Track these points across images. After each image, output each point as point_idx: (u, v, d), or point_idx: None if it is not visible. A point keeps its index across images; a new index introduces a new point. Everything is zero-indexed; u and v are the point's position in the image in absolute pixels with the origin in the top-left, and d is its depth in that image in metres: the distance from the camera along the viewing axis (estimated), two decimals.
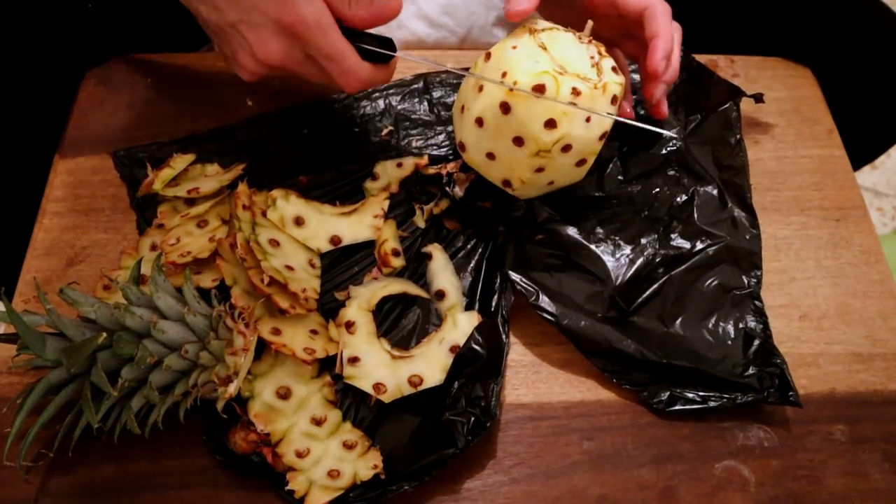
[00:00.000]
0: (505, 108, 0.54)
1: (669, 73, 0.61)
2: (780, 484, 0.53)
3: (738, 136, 0.66)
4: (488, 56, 0.57)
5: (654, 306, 0.58)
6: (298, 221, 0.61)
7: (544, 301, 0.56)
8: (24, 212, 0.64)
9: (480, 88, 0.56)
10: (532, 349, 0.59)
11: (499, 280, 0.59)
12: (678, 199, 0.64)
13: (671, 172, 0.65)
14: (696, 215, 0.63)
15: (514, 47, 0.55)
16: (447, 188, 0.64)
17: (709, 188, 0.64)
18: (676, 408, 0.55)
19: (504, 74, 0.54)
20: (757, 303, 0.59)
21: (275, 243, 0.58)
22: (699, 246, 0.61)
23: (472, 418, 0.52)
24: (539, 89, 0.53)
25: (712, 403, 0.55)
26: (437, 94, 0.70)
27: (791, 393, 0.54)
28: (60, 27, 0.68)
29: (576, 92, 0.53)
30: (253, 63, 0.56)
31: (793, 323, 0.60)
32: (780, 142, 0.70)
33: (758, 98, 0.68)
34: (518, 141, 0.55)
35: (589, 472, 0.53)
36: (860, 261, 0.64)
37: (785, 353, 0.57)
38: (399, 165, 0.66)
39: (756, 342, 0.57)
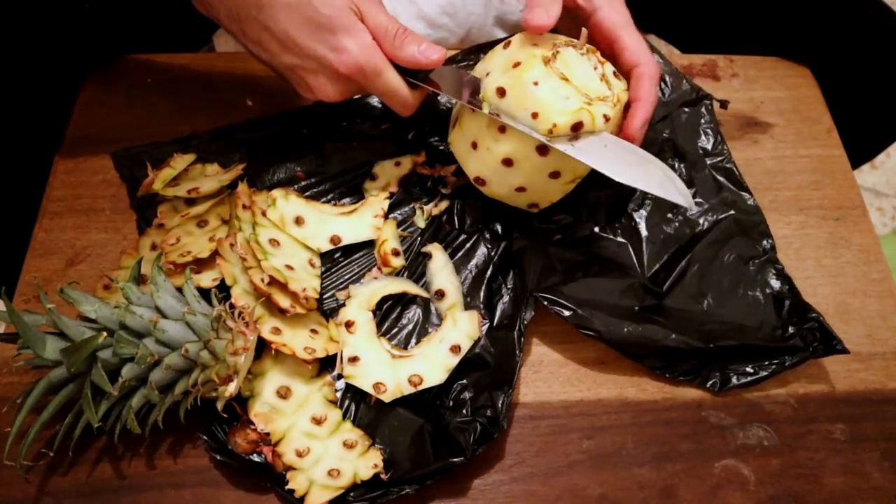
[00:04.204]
0: (542, 150, 0.54)
1: (639, 137, 0.58)
2: (780, 483, 0.53)
3: (716, 128, 0.67)
4: (503, 92, 0.53)
5: (685, 286, 0.60)
6: (298, 221, 0.61)
7: (584, 318, 0.56)
8: (24, 212, 0.64)
9: (502, 129, 0.55)
10: (532, 349, 0.59)
11: (511, 290, 0.59)
12: None
13: (667, 162, 0.65)
14: (698, 194, 0.64)
15: (536, 83, 0.53)
16: (439, 187, 0.65)
17: (703, 172, 0.66)
18: (732, 385, 0.56)
19: (535, 115, 0.52)
20: (777, 266, 0.61)
21: (275, 243, 0.58)
22: (709, 221, 0.63)
23: (479, 427, 0.52)
24: (577, 127, 0.53)
25: (764, 373, 0.56)
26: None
27: (835, 342, 0.56)
28: (60, 27, 0.68)
29: (606, 118, 0.53)
30: (312, 97, 0.59)
31: None
32: (780, 141, 0.71)
33: (722, 104, 0.67)
34: (555, 175, 0.56)
35: (589, 471, 0.53)
36: (859, 260, 0.64)
37: None
38: (397, 164, 0.66)
39: (787, 302, 0.59)
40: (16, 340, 0.49)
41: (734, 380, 0.56)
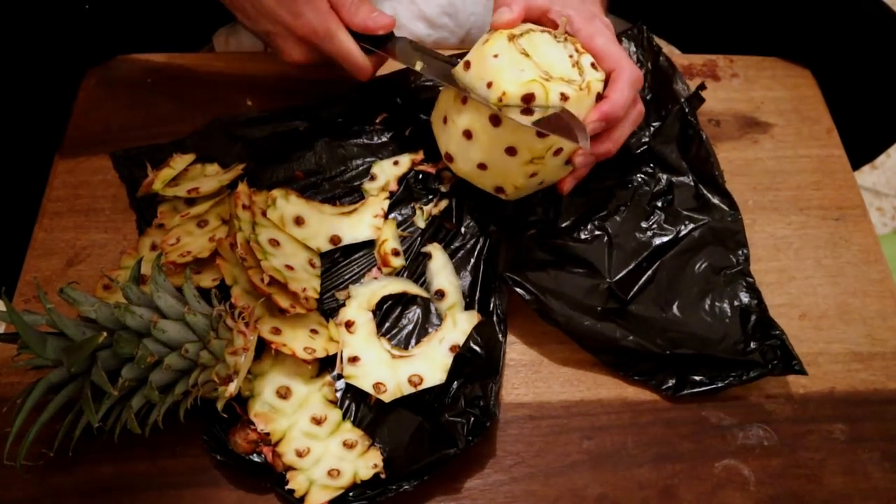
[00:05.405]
0: (495, 120, 0.54)
1: (606, 144, 0.58)
2: (780, 483, 0.53)
3: (698, 130, 0.67)
4: (468, 65, 0.56)
5: (651, 293, 0.59)
6: (298, 221, 0.61)
7: (545, 304, 0.57)
8: (24, 212, 0.64)
9: (464, 100, 0.56)
10: (532, 348, 0.59)
11: (494, 280, 0.59)
12: (657, 189, 0.65)
13: (646, 168, 0.66)
14: (676, 202, 0.64)
15: (496, 56, 0.54)
16: (435, 184, 0.65)
17: (684, 178, 0.65)
18: (685, 392, 0.56)
19: (489, 84, 0.54)
20: (748, 279, 0.60)
21: (275, 243, 0.58)
22: (684, 230, 0.62)
23: (472, 418, 0.52)
24: (528, 98, 0.53)
25: (719, 384, 0.56)
26: None
27: (794, 362, 0.55)
28: (60, 27, 0.68)
29: (564, 97, 0.53)
30: (287, 62, 0.64)
31: (792, 322, 0.60)
32: (780, 141, 0.71)
33: (700, 87, 0.68)
34: (511, 151, 0.56)
35: (589, 471, 0.53)
36: (859, 260, 0.64)
37: None
38: (396, 163, 0.66)
39: (753, 317, 0.58)
40: (16, 340, 0.49)
41: (688, 387, 0.56)
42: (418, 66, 0.60)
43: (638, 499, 0.52)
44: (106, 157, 0.66)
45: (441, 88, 0.61)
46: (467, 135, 0.57)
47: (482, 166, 0.58)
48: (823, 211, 0.66)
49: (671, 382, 0.56)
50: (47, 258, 0.61)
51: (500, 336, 0.56)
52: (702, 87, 0.68)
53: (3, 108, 0.67)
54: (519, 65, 0.53)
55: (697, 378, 0.56)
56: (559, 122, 0.53)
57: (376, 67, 0.64)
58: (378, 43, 0.62)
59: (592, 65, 0.56)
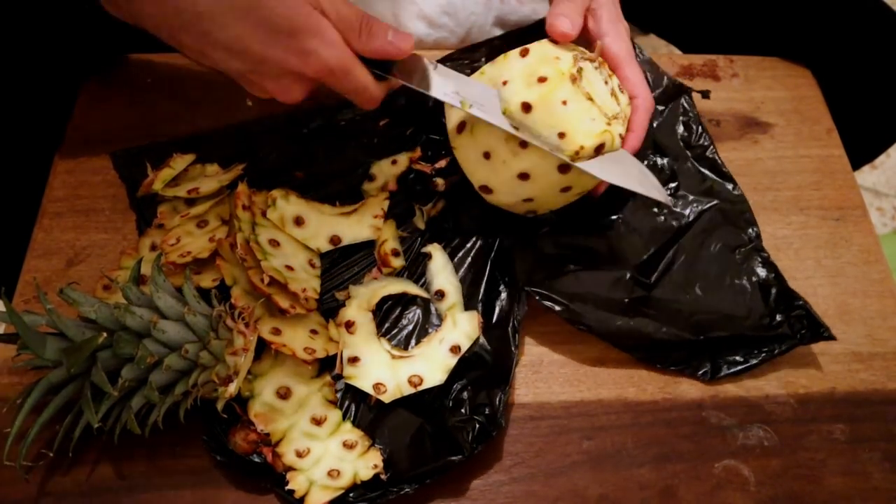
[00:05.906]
0: (564, 168, 0.54)
1: None
2: (780, 483, 0.53)
3: (697, 120, 0.68)
4: (528, 107, 0.52)
5: (673, 276, 0.60)
6: (298, 221, 0.61)
7: (574, 312, 0.57)
8: (24, 212, 0.64)
9: (523, 144, 0.53)
10: (532, 349, 0.59)
11: (506, 287, 0.59)
12: (660, 177, 0.65)
13: (648, 157, 0.66)
14: (682, 188, 0.65)
15: (565, 102, 0.52)
16: (431, 185, 0.65)
17: (686, 164, 0.66)
18: (722, 374, 0.57)
19: (562, 135, 0.52)
20: (763, 254, 0.61)
21: (275, 243, 0.58)
22: (694, 213, 0.63)
23: (478, 426, 0.52)
24: (600, 148, 0.53)
25: (753, 361, 0.57)
26: None
27: (822, 329, 0.56)
28: (61, 27, 0.68)
29: (621, 137, 0.54)
30: (268, 97, 0.54)
31: None
32: (780, 142, 0.71)
33: (704, 94, 0.68)
34: (566, 189, 0.56)
35: (589, 471, 0.53)
36: (860, 260, 0.64)
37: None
38: (394, 163, 0.66)
39: (773, 290, 0.59)
40: (16, 341, 0.49)
41: (724, 369, 0.57)
42: (467, 107, 0.53)
43: (638, 499, 0.52)
44: (106, 157, 0.66)
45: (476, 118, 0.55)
46: (524, 177, 0.55)
47: (528, 200, 0.57)
48: (823, 211, 0.66)
49: (707, 368, 0.57)
50: (47, 258, 0.61)
51: (512, 346, 0.56)
52: (705, 95, 0.68)
53: (3, 108, 0.67)
54: (589, 113, 0.52)
55: (731, 359, 0.57)
56: (642, 182, 0.56)
57: (385, 94, 0.56)
58: (389, 66, 0.54)
59: (620, 88, 0.57)
